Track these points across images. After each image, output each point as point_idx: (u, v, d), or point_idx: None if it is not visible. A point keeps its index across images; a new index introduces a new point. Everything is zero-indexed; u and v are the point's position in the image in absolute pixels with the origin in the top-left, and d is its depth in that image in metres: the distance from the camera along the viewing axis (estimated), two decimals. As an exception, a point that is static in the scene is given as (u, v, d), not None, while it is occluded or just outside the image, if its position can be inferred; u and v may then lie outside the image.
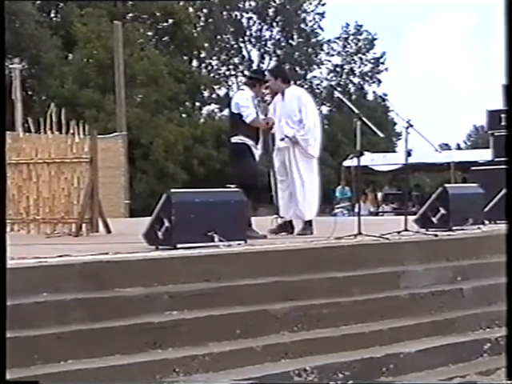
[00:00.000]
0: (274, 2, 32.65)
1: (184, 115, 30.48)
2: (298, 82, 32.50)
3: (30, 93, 25.49)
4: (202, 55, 32.97)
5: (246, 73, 21.45)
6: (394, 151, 23.95)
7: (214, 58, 33.33)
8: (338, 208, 19.46)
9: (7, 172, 8.51)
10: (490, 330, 6.12)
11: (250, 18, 33.28)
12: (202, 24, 31.82)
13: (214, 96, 33.25)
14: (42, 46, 26.36)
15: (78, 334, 4.67)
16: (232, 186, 7.12)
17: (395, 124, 28.22)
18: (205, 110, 33.53)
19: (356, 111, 7.21)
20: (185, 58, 31.49)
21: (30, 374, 4.35)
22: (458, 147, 36.21)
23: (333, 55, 34.26)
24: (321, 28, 33.50)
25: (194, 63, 32.82)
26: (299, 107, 7.53)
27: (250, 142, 7.36)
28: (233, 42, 33.95)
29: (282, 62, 31.21)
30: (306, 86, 31.68)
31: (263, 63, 31.79)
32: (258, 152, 7.47)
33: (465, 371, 5.50)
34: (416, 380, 3.42)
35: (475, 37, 57.29)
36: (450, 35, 59.35)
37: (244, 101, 7.31)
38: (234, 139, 7.38)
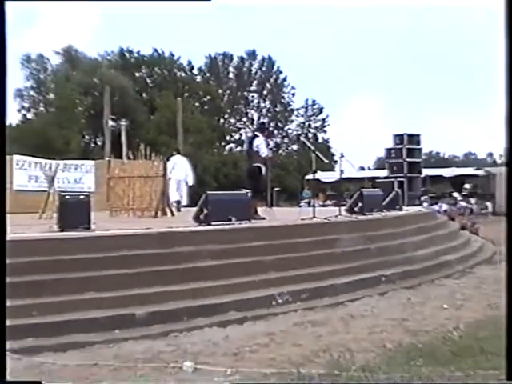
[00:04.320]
0: (266, 87, 53.35)
1: (215, 150, 48.94)
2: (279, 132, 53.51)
3: (130, 138, 31.00)
4: (226, 116, 52.70)
5: (259, 123, 38.55)
6: (334, 170, 32.93)
7: (232, 118, 53.50)
8: (302, 202, 27.18)
9: (119, 182, 13.46)
10: (382, 269, 9.03)
11: (253, 96, 54.04)
12: (225, 99, 52.46)
13: (232, 139, 53.16)
14: (137, 112, 43.87)
15: (157, 273, 7.17)
16: (245, 190, 10.24)
17: (334, 155, 40.83)
18: (227, 147, 52.54)
19: (312, 148, 11.32)
20: (216, 118, 50.60)
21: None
22: (369, 168, 52.00)
23: (298, 116, 55.01)
24: (292, 101, 54.53)
25: (221, 121, 52.30)
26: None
27: (261, 165, 10.79)
28: (243, 109, 53.69)
29: (270, 121, 51.83)
30: (284, 134, 54.10)
31: (259, 120, 49.48)
32: (264, 170, 10.85)
33: (371, 292, 8.26)
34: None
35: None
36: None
37: (261, 144, 10.86)
38: (253, 165, 10.86)
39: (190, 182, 16.05)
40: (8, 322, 5.74)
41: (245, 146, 13.90)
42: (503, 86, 3.76)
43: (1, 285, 3.95)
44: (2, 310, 3.99)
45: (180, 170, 15.65)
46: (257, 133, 11.38)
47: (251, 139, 11.28)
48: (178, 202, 15.23)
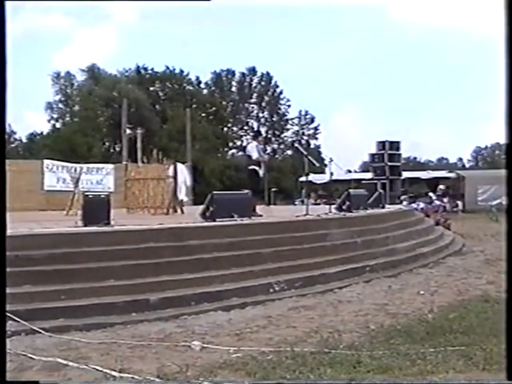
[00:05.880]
0: (265, 100, 53.19)
1: (219, 155, 48.93)
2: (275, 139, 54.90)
3: (144, 145, 31.27)
4: (229, 125, 52.37)
5: (255, 131, 35.70)
6: (324, 173, 31.94)
7: (235, 127, 53.04)
8: (297, 201, 28.35)
9: (135, 184, 13.43)
10: (367, 260, 9.06)
11: (253, 107, 53.85)
12: (229, 110, 52.35)
13: (234, 146, 52.02)
14: (151, 122, 42.76)
15: (168, 263, 7.19)
16: (245, 190, 10.26)
17: (324, 159, 39.26)
18: (230, 152, 52.04)
19: (305, 153, 11.25)
20: (220, 126, 50.31)
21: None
22: (355, 171, 50.81)
23: (293, 125, 55.11)
24: (288, 112, 54.42)
25: (225, 129, 51.84)
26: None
27: (256, 168, 10.88)
28: (244, 119, 53.49)
29: (267, 129, 53.32)
30: (280, 141, 54.04)
31: (259, 129, 48.92)
32: (261, 172, 10.92)
33: (357, 280, 8.30)
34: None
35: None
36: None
37: (252, 148, 11.00)
38: (249, 168, 10.94)
39: (188, 184, 16.36)
40: (40, 305, 5.89)
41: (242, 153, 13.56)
42: (503, 86, 3.44)
43: (1, 286, 3.65)
44: (2, 311, 3.73)
45: (180, 175, 16.43)
46: (250, 140, 11.41)
47: (246, 146, 11.58)
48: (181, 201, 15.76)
